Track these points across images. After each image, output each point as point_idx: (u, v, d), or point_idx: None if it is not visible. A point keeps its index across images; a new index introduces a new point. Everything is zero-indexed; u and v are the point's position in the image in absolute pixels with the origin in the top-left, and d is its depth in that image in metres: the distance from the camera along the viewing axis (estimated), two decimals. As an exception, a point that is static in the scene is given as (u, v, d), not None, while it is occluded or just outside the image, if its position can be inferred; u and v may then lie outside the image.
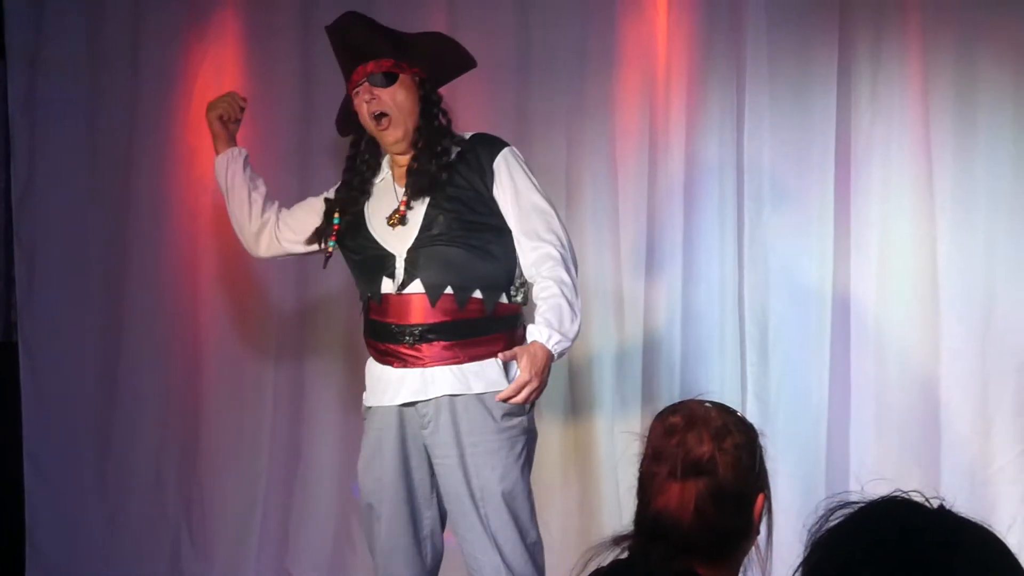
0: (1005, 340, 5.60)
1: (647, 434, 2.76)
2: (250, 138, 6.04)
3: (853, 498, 1.88)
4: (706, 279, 5.74)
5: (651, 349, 5.74)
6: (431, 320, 4.23)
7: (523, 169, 4.34)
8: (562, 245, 4.27)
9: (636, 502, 2.73)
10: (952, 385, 5.62)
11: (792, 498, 5.36)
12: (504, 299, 4.29)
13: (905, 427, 5.64)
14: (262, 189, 4.67)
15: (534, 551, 4.28)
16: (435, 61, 4.43)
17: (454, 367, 4.23)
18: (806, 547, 1.87)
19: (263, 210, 4.66)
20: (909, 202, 5.66)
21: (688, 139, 5.75)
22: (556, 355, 4.15)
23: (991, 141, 5.61)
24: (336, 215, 4.46)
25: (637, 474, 2.74)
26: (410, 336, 4.25)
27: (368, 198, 4.43)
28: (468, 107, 5.78)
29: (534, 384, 4.13)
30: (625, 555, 2.69)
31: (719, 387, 5.45)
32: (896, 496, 1.86)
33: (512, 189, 4.29)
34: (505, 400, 4.17)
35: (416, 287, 4.24)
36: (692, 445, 2.66)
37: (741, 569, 2.75)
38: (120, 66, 6.06)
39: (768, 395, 5.67)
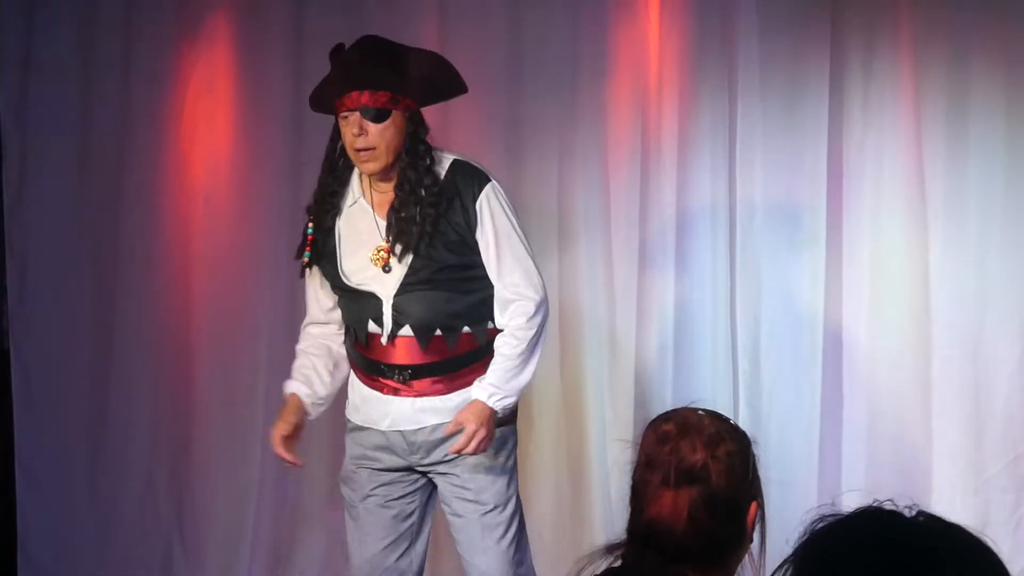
0: (997, 348, 5.62)
1: (640, 442, 2.76)
2: (241, 144, 6.04)
3: (829, 512, 1.87)
4: (698, 288, 5.74)
5: (643, 357, 5.74)
6: (421, 360, 4.29)
7: (503, 210, 4.30)
8: (538, 299, 4.29)
9: (629, 510, 2.73)
10: (944, 393, 5.63)
11: (784, 506, 5.32)
12: (489, 325, 4.33)
13: (897, 435, 5.65)
14: (327, 376, 4.52)
15: (526, 553, 4.39)
16: (427, 85, 4.36)
17: (443, 396, 4.30)
18: (785, 564, 1.86)
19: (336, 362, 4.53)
20: (901, 211, 5.67)
21: (680, 149, 5.75)
22: (499, 410, 4.23)
23: (983, 151, 5.63)
24: (310, 225, 4.41)
25: (630, 482, 2.74)
26: (400, 375, 4.30)
27: (339, 214, 4.37)
28: (460, 117, 5.78)
29: (482, 433, 4.19)
30: (618, 563, 2.69)
31: (711, 395, 5.45)
32: (874, 506, 1.85)
33: (493, 234, 4.28)
34: (458, 452, 4.21)
35: (405, 331, 4.27)
36: (685, 453, 2.66)
37: (734, 576, 2.75)
38: (112, 72, 6.05)
39: (760, 403, 5.68)
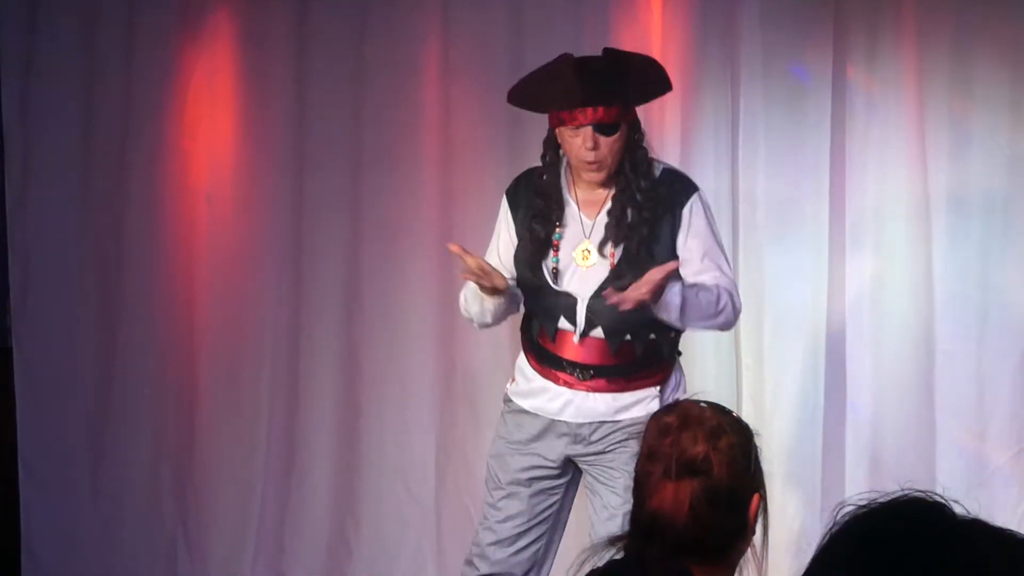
0: (1001, 342, 5.62)
1: (642, 434, 2.76)
2: (244, 141, 6.05)
3: (863, 500, 1.85)
4: (701, 281, 5.74)
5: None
6: (606, 362, 4.37)
7: (707, 218, 4.39)
8: (737, 299, 4.41)
9: (631, 502, 2.73)
10: (948, 387, 5.63)
11: (787, 500, 5.37)
12: (671, 333, 4.44)
13: (901, 429, 5.65)
14: (508, 292, 4.48)
15: None
16: (645, 88, 4.48)
17: (615, 394, 4.37)
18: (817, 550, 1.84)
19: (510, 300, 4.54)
20: (904, 205, 5.67)
21: (683, 142, 5.75)
22: (666, 303, 4.21)
23: (986, 143, 5.63)
24: (557, 229, 4.41)
25: (632, 474, 2.74)
26: (582, 372, 4.37)
27: (549, 216, 4.41)
28: (463, 111, 5.78)
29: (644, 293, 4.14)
30: (620, 555, 2.69)
31: (714, 389, 5.44)
32: (909, 494, 1.84)
33: (697, 242, 4.36)
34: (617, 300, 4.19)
35: (596, 333, 4.34)
36: (686, 445, 2.66)
37: (736, 570, 2.74)
38: (114, 70, 6.05)
39: (763, 397, 5.68)
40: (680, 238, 4.35)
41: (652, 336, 4.37)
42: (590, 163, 4.30)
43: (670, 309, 4.24)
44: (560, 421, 4.40)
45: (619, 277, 4.29)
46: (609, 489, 4.37)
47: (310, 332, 6.00)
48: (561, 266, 4.37)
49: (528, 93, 4.48)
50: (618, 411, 4.37)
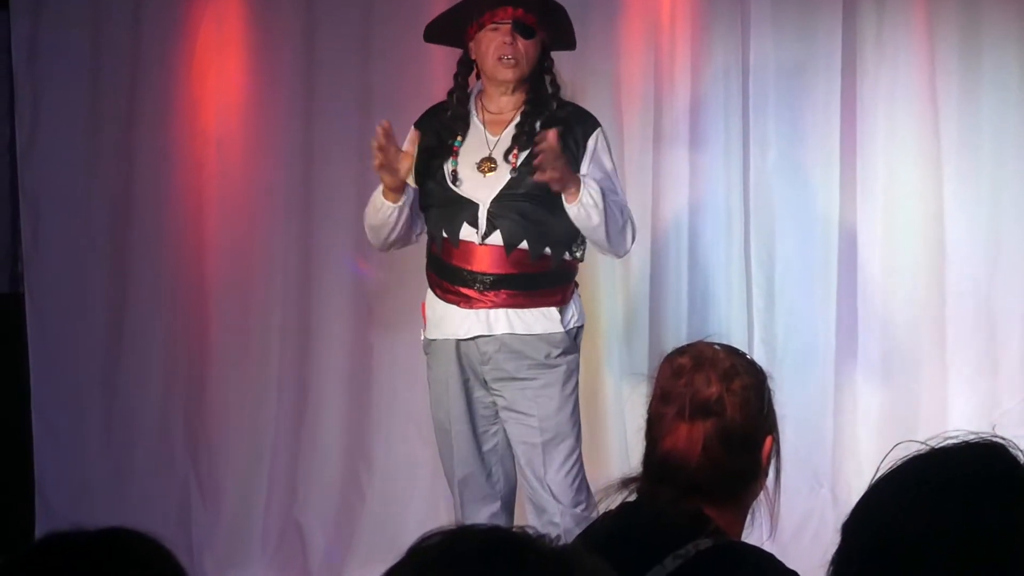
0: (1011, 283, 5.62)
1: (655, 375, 2.76)
2: (253, 87, 6.04)
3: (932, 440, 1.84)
4: (712, 224, 5.76)
5: (658, 294, 5.75)
6: (503, 271, 4.59)
7: (609, 151, 4.70)
8: (633, 225, 4.68)
9: (644, 443, 2.73)
10: (958, 328, 5.64)
11: (799, 442, 5.37)
12: (567, 255, 4.65)
13: (912, 371, 5.66)
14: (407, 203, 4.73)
15: (583, 480, 4.66)
16: (559, 31, 4.76)
17: (516, 310, 4.58)
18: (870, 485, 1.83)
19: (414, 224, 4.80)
20: (915, 145, 5.67)
21: (693, 85, 5.74)
22: (578, 192, 4.48)
23: (996, 83, 5.62)
24: (458, 138, 4.69)
25: (645, 415, 2.74)
26: (481, 283, 4.58)
27: (454, 134, 4.69)
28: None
29: (556, 165, 4.41)
30: (633, 497, 2.69)
31: (726, 332, 5.46)
32: (982, 439, 1.83)
33: (598, 169, 4.62)
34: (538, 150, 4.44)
35: (495, 238, 4.56)
36: (700, 386, 2.66)
37: (748, 511, 2.75)
38: (123, 17, 6.03)
39: (775, 340, 5.69)
40: (584, 164, 4.61)
41: (547, 251, 4.59)
42: (508, 58, 4.57)
43: (591, 191, 4.46)
44: (468, 341, 4.61)
45: (520, 178, 4.55)
46: (521, 424, 4.61)
47: (320, 275, 6.01)
48: (459, 169, 4.63)
49: (446, 19, 4.78)
50: (520, 325, 4.58)
